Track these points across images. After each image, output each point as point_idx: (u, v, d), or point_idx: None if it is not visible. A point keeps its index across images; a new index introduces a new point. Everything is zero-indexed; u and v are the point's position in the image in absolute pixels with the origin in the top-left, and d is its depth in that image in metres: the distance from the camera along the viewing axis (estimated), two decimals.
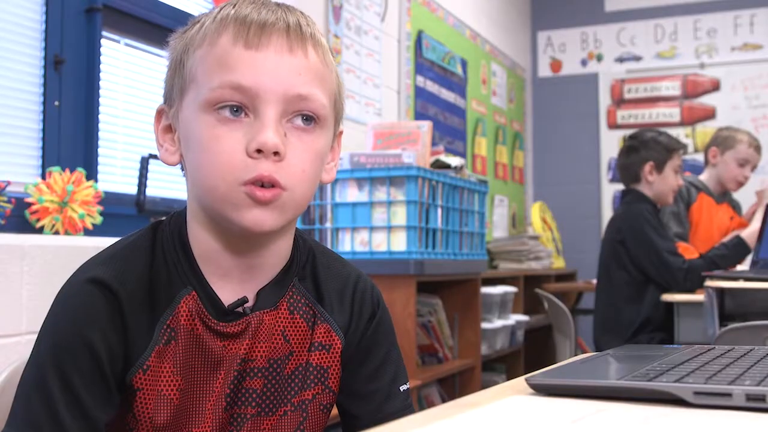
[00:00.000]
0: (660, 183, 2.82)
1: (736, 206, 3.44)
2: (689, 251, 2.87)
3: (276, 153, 0.80)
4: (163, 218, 0.92)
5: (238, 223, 0.82)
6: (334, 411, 0.97)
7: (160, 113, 0.90)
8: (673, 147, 2.83)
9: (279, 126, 0.81)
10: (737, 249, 2.72)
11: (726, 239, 2.84)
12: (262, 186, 0.80)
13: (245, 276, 0.88)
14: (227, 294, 0.87)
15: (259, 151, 0.79)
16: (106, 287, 0.82)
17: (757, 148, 3.26)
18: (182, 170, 0.90)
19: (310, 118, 0.84)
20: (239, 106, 0.80)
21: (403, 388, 0.97)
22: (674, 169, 2.83)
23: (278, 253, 0.90)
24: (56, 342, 0.81)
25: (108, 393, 0.81)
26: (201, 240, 0.87)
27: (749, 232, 2.73)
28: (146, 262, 0.86)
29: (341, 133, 0.95)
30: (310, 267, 0.95)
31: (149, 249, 0.88)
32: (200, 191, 0.84)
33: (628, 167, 2.89)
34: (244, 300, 0.88)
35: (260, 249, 0.88)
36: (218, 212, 0.83)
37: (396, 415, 0.92)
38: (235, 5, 0.84)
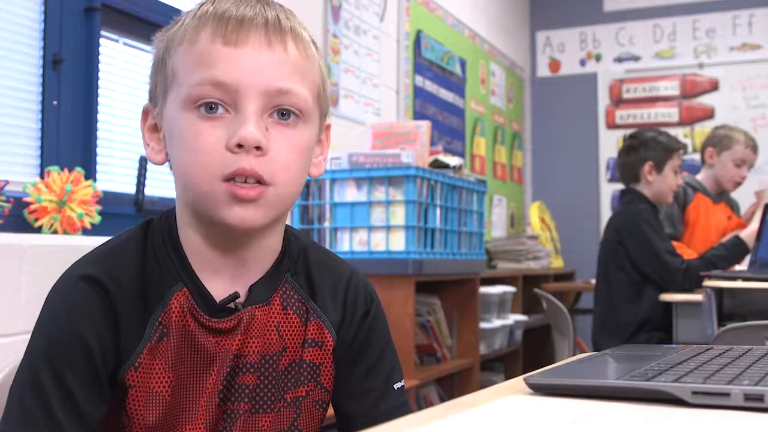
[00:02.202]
0: (659, 183, 2.82)
1: (733, 206, 3.44)
2: (684, 250, 2.87)
3: (258, 147, 0.79)
4: (154, 217, 0.92)
5: (221, 221, 0.82)
6: (331, 411, 0.96)
7: (146, 112, 0.90)
8: (673, 147, 2.83)
9: (260, 121, 0.81)
10: (736, 249, 2.72)
11: (725, 239, 2.84)
12: (245, 182, 0.80)
13: (236, 272, 0.88)
14: (219, 290, 0.87)
15: (239, 146, 0.79)
16: (97, 284, 0.82)
17: (754, 148, 3.26)
18: (171, 169, 0.90)
19: (291, 113, 0.83)
20: (219, 104, 0.80)
21: (398, 385, 0.96)
22: (674, 169, 2.83)
23: (268, 248, 0.90)
24: (49, 338, 0.81)
25: (101, 389, 0.81)
26: (190, 237, 0.87)
27: (748, 233, 2.73)
28: (137, 259, 0.86)
29: (329, 126, 0.95)
30: (303, 263, 0.95)
31: (140, 247, 0.88)
32: (184, 189, 0.85)
33: (627, 167, 2.89)
34: (236, 295, 0.87)
35: (248, 245, 0.88)
36: (202, 209, 0.83)
37: (392, 413, 0.92)
38: (214, 2, 0.84)
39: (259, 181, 0.80)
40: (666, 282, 2.68)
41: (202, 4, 0.85)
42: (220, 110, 0.80)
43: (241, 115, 0.80)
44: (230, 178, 0.80)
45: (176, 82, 0.83)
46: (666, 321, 2.64)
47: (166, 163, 0.90)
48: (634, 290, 2.76)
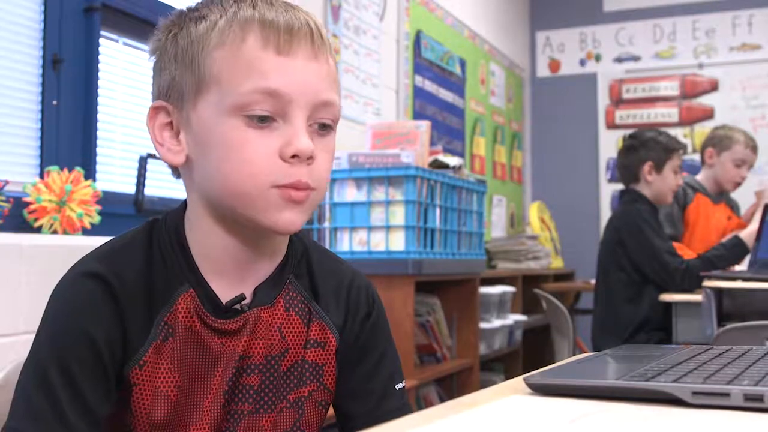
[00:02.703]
0: (659, 183, 2.83)
1: (734, 206, 3.44)
2: (684, 251, 2.87)
3: (310, 157, 0.82)
4: (159, 217, 0.92)
5: (268, 225, 0.82)
6: (331, 411, 0.97)
7: (156, 110, 0.86)
8: (673, 147, 2.83)
9: (307, 131, 0.83)
10: (735, 249, 2.72)
11: (725, 239, 2.84)
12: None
13: (243, 273, 0.89)
14: (224, 291, 0.88)
15: (293, 156, 0.81)
16: (102, 281, 0.83)
17: (754, 148, 3.26)
18: (172, 169, 0.90)
19: (329, 124, 0.85)
20: (269, 114, 0.81)
21: (399, 386, 0.97)
22: (673, 169, 2.83)
23: (275, 250, 0.91)
24: (55, 335, 0.81)
25: (108, 385, 0.82)
26: (203, 239, 0.87)
27: (748, 233, 2.73)
28: (143, 259, 0.86)
29: None
30: (306, 265, 0.95)
31: (146, 246, 0.88)
32: (224, 194, 0.83)
33: (627, 167, 2.89)
34: (242, 297, 0.88)
35: (267, 247, 0.89)
36: (243, 214, 0.83)
37: (393, 413, 0.92)
38: (251, 5, 0.83)
39: (306, 187, 0.83)
40: (666, 282, 2.68)
41: (238, 6, 0.83)
42: (269, 120, 0.81)
43: (292, 125, 0.81)
44: (284, 187, 0.81)
45: (218, 87, 0.81)
46: (666, 321, 2.64)
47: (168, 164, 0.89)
48: (634, 290, 2.76)
